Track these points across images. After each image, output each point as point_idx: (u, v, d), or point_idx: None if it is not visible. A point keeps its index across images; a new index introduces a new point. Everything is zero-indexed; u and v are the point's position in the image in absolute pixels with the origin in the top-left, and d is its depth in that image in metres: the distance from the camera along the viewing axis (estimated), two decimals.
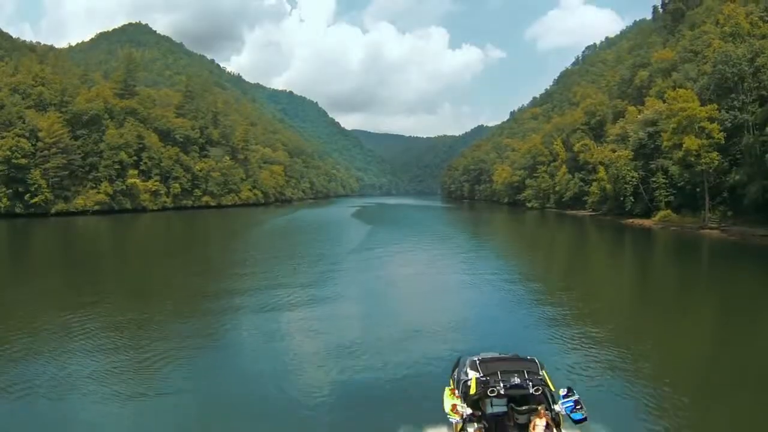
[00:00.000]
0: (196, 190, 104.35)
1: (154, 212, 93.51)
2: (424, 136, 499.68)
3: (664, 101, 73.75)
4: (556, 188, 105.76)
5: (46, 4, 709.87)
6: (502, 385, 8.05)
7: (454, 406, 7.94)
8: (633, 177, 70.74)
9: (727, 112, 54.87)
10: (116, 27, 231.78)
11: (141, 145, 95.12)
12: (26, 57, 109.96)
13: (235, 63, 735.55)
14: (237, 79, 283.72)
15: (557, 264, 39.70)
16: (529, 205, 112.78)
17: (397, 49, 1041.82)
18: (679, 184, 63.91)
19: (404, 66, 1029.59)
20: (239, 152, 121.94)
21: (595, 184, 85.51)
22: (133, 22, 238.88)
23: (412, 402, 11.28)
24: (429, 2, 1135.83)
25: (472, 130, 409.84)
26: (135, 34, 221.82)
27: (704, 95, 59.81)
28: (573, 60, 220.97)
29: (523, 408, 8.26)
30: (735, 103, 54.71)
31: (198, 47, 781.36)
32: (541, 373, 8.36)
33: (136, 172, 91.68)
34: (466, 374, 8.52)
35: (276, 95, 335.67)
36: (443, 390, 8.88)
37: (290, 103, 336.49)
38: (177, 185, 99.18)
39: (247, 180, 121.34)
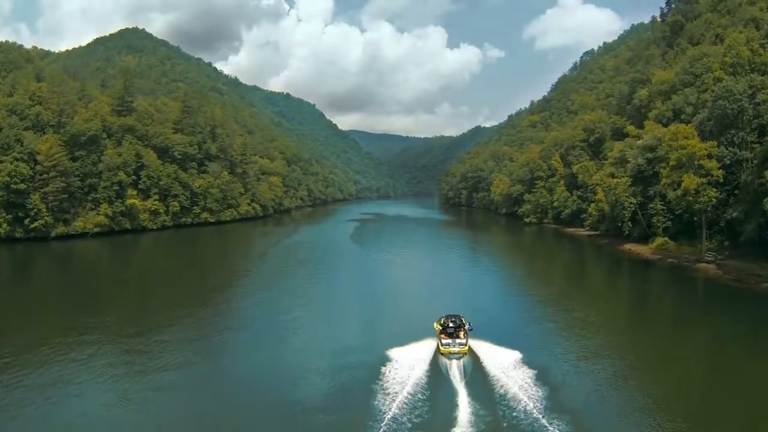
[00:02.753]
0: (195, 207, 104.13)
1: (154, 232, 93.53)
2: (422, 137, 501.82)
3: (665, 125, 74.54)
4: (554, 204, 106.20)
5: (43, 5, 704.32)
6: (451, 321, 27.87)
7: (437, 325, 28.34)
8: (631, 203, 71.13)
9: (727, 149, 55.24)
10: (113, 32, 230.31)
11: (140, 164, 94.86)
12: (23, 71, 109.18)
13: (233, 63, 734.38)
14: (234, 82, 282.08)
15: (550, 304, 43.11)
16: (527, 220, 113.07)
17: (396, 48, 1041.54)
18: (677, 212, 64.36)
19: (402, 65, 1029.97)
20: (237, 166, 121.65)
21: (593, 205, 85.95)
22: (130, 27, 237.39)
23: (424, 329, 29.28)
24: (427, 2, 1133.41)
25: (470, 131, 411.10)
26: (132, 39, 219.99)
27: (704, 127, 60.09)
28: (571, 65, 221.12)
29: (459, 329, 27.16)
30: (735, 139, 55.09)
31: (196, 47, 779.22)
32: (463, 319, 28.30)
33: (135, 192, 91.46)
34: (440, 318, 28.67)
35: (273, 97, 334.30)
36: (434, 323, 28.59)
37: (288, 105, 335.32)
38: (176, 203, 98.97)
39: (246, 194, 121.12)
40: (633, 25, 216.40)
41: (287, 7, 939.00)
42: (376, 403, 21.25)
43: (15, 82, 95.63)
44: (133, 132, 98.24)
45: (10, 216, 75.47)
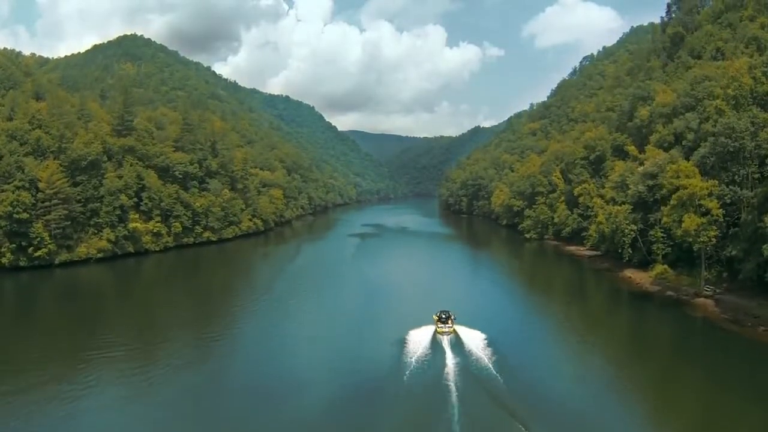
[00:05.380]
0: (197, 226, 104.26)
1: (156, 254, 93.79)
2: (422, 136, 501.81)
3: (666, 150, 74.71)
4: (555, 220, 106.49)
5: (41, 7, 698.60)
6: (443, 314, 44.79)
7: (434, 316, 45.18)
8: (631, 230, 71.42)
9: (728, 186, 55.44)
10: (111, 39, 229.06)
11: (141, 186, 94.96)
12: (21, 88, 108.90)
13: (232, 64, 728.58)
14: (233, 86, 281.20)
15: (542, 339, 49.07)
16: (527, 236, 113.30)
17: (395, 47, 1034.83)
18: (676, 240, 64.64)
19: (402, 65, 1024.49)
20: (238, 181, 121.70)
21: (593, 226, 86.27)
22: (128, 33, 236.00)
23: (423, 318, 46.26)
24: (427, 1, 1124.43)
25: (469, 131, 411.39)
26: (130, 47, 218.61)
27: (706, 161, 60.06)
28: (571, 70, 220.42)
29: (448, 319, 44.33)
30: (736, 177, 55.29)
31: (195, 48, 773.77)
32: (451, 312, 45.08)
33: (137, 215, 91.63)
34: (437, 312, 45.44)
35: (273, 100, 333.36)
36: (432, 315, 45.57)
37: (287, 108, 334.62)
38: (178, 224, 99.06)
39: (247, 209, 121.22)
40: (632, 27, 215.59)
41: (286, 7, 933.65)
42: (402, 358, 38.91)
43: (14, 103, 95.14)
44: (133, 153, 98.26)
45: (14, 245, 75.63)
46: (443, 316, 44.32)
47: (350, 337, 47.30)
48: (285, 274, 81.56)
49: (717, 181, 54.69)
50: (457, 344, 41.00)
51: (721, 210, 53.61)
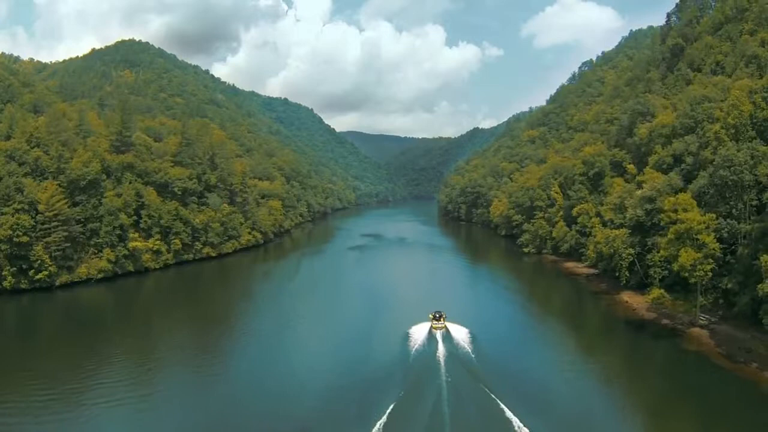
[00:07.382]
0: (197, 242, 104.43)
1: (156, 272, 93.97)
2: (420, 137, 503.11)
3: (665, 172, 75.04)
4: (553, 235, 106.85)
5: (39, 8, 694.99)
6: (437, 313, 56.56)
7: (430, 315, 56.71)
8: (629, 254, 71.80)
9: (725, 219, 55.76)
10: (109, 44, 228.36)
11: (140, 203, 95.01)
12: (19, 102, 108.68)
13: (231, 64, 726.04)
14: (232, 90, 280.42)
15: (521, 342, 57.93)
16: (526, 250, 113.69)
17: (394, 47, 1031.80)
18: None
19: (401, 64, 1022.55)
20: (237, 195, 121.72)
21: (591, 246, 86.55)
22: (126, 39, 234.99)
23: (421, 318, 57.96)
24: (426, 0, 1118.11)
25: (468, 132, 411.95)
26: (128, 52, 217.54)
27: (705, 190, 60.30)
28: (570, 75, 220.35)
29: (441, 317, 56.15)
30: (734, 211, 55.56)
31: (193, 49, 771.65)
32: (442, 312, 56.91)
33: (136, 234, 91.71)
34: (432, 312, 57.05)
35: (272, 102, 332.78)
36: (428, 314, 57.40)
37: (285, 111, 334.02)
38: (177, 240, 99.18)
39: (246, 222, 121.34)
40: (632, 31, 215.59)
41: (285, 7, 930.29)
42: (405, 347, 50.81)
43: (12, 120, 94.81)
44: (132, 169, 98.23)
45: (15, 268, 75.75)
46: (437, 315, 55.82)
47: (361, 332, 59.08)
48: (287, 288, 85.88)
49: (714, 215, 54.97)
50: (448, 337, 52.59)
51: (717, 244, 53.95)
